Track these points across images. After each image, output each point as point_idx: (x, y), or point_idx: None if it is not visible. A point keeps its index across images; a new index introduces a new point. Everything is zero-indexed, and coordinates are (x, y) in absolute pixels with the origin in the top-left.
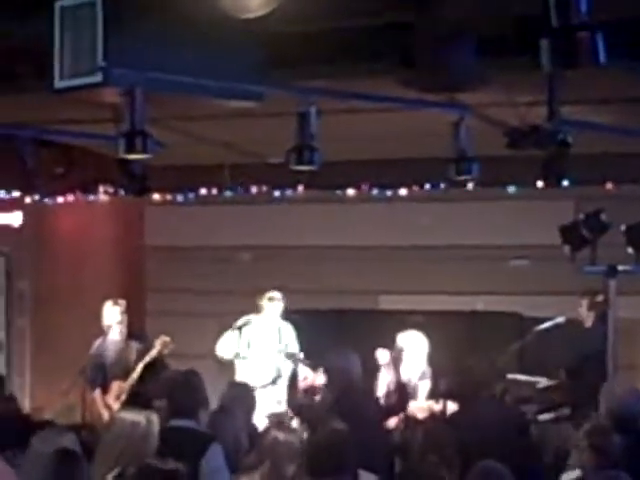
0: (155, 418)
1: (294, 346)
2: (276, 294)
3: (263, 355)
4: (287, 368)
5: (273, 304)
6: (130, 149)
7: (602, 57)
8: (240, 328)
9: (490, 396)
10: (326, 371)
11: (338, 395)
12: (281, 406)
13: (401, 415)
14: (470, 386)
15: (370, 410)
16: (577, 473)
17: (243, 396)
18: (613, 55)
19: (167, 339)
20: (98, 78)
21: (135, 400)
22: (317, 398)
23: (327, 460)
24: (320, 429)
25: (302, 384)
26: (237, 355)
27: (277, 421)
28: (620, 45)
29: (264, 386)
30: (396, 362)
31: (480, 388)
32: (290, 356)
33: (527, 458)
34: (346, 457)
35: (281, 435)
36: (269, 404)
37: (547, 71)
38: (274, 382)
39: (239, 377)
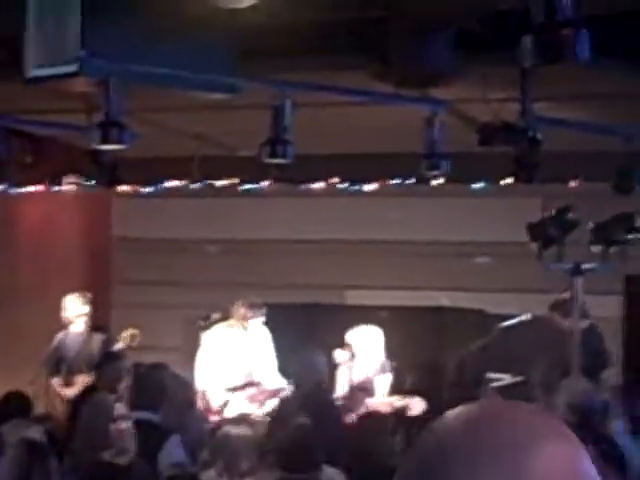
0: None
1: (268, 352)
2: (258, 320)
3: (231, 360)
4: (258, 372)
5: (254, 320)
6: (105, 140)
7: (585, 54)
8: (205, 327)
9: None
10: (294, 370)
11: (306, 394)
12: (250, 409)
13: (361, 411)
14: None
15: (337, 408)
16: None
17: (190, 389)
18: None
19: (135, 331)
20: (73, 68)
21: (92, 390)
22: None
23: (300, 455)
24: (290, 425)
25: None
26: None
27: (232, 417)
28: (595, 42)
29: (234, 389)
30: (353, 359)
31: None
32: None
33: None
34: (317, 452)
35: (234, 430)
36: (239, 407)
37: (528, 67)
38: (244, 387)
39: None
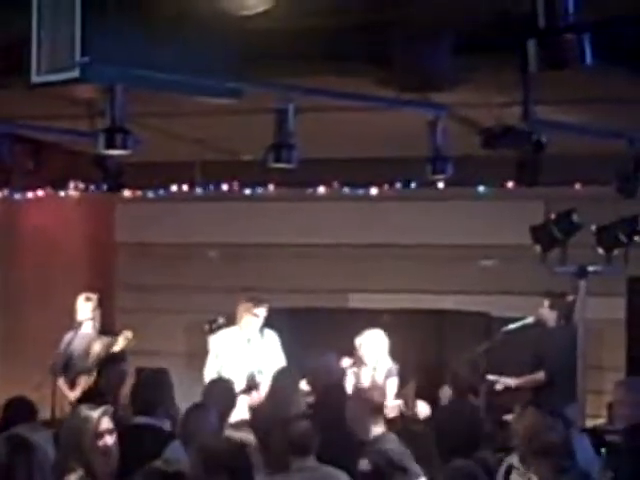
0: (109, 412)
1: (275, 355)
2: (261, 311)
3: (235, 364)
4: (262, 377)
5: (255, 319)
6: (110, 145)
7: (589, 58)
8: (212, 330)
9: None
10: (307, 372)
11: (319, 396)
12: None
13: None
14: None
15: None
16: None
17: (222, 394)
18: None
19: (130, 334)
20: (75, 74)
21: (92, 393)
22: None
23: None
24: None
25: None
26: (219, 372)
27: (233, 422)
28: (599, 46)
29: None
30: (359, 364)
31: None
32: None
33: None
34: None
35: (235, 434)
36: (242, 412)
37: (532, 71)
38: (247, 391)
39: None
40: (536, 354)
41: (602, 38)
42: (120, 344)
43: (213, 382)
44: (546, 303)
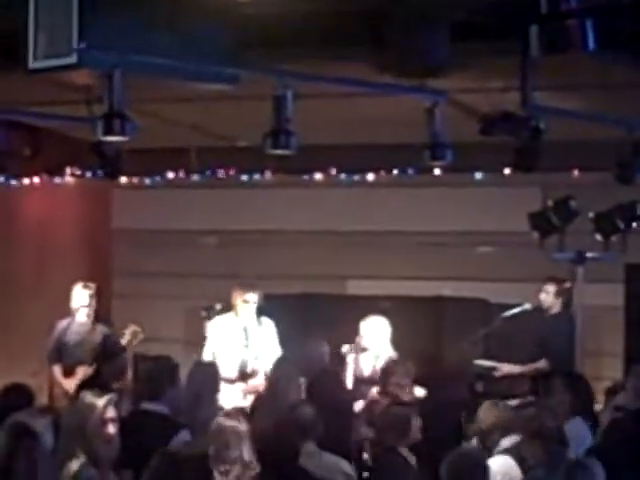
0: (113, 401)
1: (271, 342)
2: (251, 296)
3: (231, 351)
4: (257, 364)
5: (247, 305)
6: (108, 131)
7: (591, 44)
8: (209, 317)
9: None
10: (299, 358)
11: (311, 381)
12: (247, 401)
13: (367, 401)
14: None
15: (343, 395)
16: None
17: (211, 377)
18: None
19: (137, 329)
20: (73, 59)
21: (93, 382)
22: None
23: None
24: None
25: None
26: (215, 358)
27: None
28: (600, 31)
29: (231, 381)
30: (359, 350)
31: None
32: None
33: None
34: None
35: (227, 422)
36: (235, 399)
37: (534, 57)
38: (242, 378)
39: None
40: (539, 341)
41: (604, 24)
42: (127, 338)
43: (199, 366)
44: (551, 289)
